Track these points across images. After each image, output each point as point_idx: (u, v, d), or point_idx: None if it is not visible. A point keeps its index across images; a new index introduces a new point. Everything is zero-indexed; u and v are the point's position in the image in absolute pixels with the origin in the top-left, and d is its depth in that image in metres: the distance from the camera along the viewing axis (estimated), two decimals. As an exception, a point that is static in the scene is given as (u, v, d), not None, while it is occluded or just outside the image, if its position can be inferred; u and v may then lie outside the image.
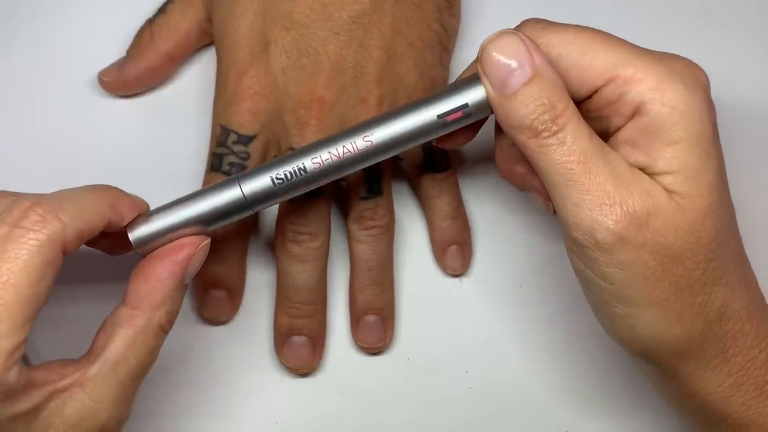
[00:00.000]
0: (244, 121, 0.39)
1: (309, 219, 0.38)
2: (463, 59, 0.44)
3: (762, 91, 0.45)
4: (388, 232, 0.40)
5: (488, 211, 0.43)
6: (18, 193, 0.31)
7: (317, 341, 0.40)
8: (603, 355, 0.41)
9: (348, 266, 0.41)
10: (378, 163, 0.39)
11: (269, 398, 0.40)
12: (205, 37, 0.43)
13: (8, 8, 0.45)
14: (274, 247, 0.40)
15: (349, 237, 0.40)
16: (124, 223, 0.33)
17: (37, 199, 0.30)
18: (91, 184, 0.33)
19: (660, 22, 0.45)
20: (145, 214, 0.34)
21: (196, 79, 0.44)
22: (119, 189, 0.33)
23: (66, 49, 0.44)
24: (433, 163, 0.40)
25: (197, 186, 0.40)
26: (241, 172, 0.34)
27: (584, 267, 0.31)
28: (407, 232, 0.42)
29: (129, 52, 0.43)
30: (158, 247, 0.33)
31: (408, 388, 0.41)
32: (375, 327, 0.40)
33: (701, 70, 0.32)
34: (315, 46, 0.39)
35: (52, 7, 0.45)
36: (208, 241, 0.34)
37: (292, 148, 0.39)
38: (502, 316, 0.41)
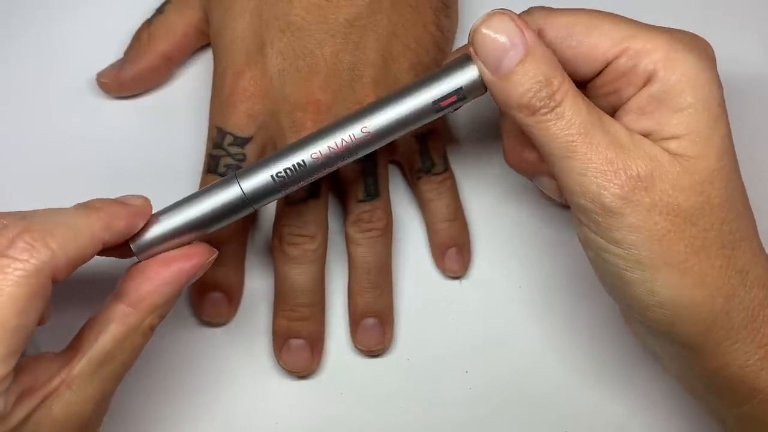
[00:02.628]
0: (240, 123, 0.39)
1: (306, 221, 0.38)
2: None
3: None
4: (387, 234, 0.40)
5: (487, 212, 0.42)
6: (8, 214, 0.30)
7: (316, 344, 0.40)
8: (603, 355, 0.41)
9: (346, 269, 0.41)
10: (375, 165, 0.39)
11: (269, 400, 0.40)
12: (203, 38, 0.43)
13: (8, 8, 0.45)
14: (271, 249, 0.40)
15: (348, 240, 0.40)
16: (128, 236, 0.32)
17: (27, 226, 0.29)
18: (88, 201, 0.32)
19: (662, 16, 0.45)
20: (147, 221, 0.33)
21: (194, 80, 0.44)
22: (116, 202, 0.33)
23: (65, 50, 0.44)
24: (431, 166, 0.40)
25: (195, 187, 0.40)
26: (238, 170, 0.34)
27: (595, 235, 0.31)
28: (406, 234, 0.42)
29: (126, 53, 0.43)
30: (159, 253, 0.33)
31: (408, 389, 0.41)
32: (374, 330, 0.40)
33: (707, 42, 0.33)
34: (311, 49, 0.39)
35: (51, 8, 0.45)
36: (216, 254, 0.34)
37: (288, 151, 0.39)
38: (502, 316, 0.41)
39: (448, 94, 0.33)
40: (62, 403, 0.30)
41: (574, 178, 0.31)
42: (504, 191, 0.43)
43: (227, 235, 0.39)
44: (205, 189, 0.34)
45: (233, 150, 0.39)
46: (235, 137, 0.39)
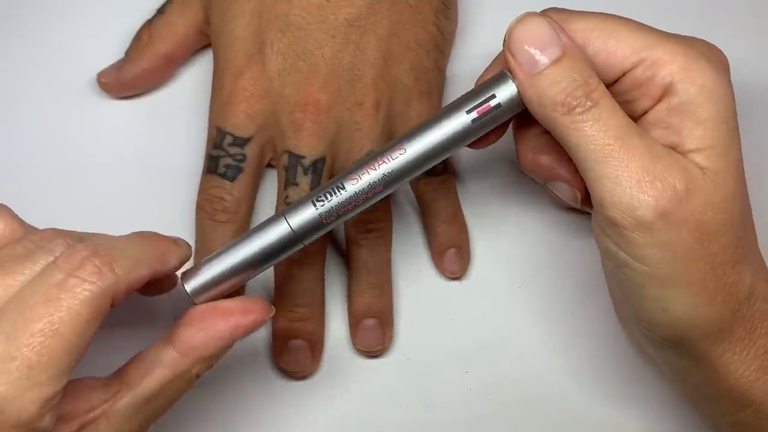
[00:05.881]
0: (239, 123, 0.39)
1: (306, 222, 0.38)
2: (459, 62, 0.43)
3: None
4: (387, 235, 0.40)
5: (486, 213, 0.42)
6: (74, 233, 0.31)
7: (315, 345, 0.40)
8: (603, 355, 0.41)
9: (346, 269, 0.41)
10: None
11: (269, 400, 0.40)
12: (204, 39, 0.43)
13: (8, 8, 0.45)
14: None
15: (348, 241, 0.40)
16: (169, 270, 0.32)
17: (94, 249, 0.29)
18: (143, 232, 0.32)
19: (664, 17, 0.44)
20: (198, 263, 0.33)
21: (195, 80, 0.44)
22: (167, 237, 0.33)
23: (66, 50, 0.44)
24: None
25: (195, 187, 0.40)
26: (285, 208, 0.34)
27: (618, 250, 0.31)
28: (406, 235, 0.42)
29: (127, 53, 0.43)
30: (214, 296, 0.33)
31: (407, 390, 0.40)
32: (374, 331, 0.40)
33: (721, 51, 0.33)
34: (311, 49, 0.39)
35: (52, 7, 0.45)
36: (273, 311, 0.34)
37: (288, 151, 0.39)
38: (502, 317, 0.41)
39: (482, 101, 0.32)
40: None
41: (606, 187, 0.30)
42: (504, 192, 0.42)
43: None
44: (254, 228, 0.34)
45: (233, 150, 0.39)
46: (235, 137, 0.39)
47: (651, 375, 0.40)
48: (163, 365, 0.31)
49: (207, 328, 0.32)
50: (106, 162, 0.43)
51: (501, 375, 0.41)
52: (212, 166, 0.39)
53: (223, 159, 0.39)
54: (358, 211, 0.34)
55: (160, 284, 0.35)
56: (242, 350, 0.41)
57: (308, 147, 0.38)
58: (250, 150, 0.39)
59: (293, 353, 0.39)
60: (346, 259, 0.41)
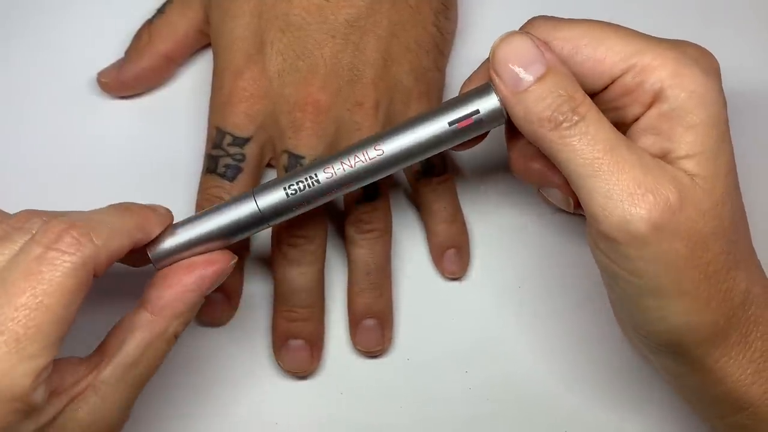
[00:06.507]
0: (239, 123, 0.39)
1: (305, 222, 0.38)
2: (459, 63, 0.43)
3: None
4: (386, 235, 0.40)
5: (486, 213, 0.42)
6: (49, 212, 0.31)
7: (315, 344, 0.40)
8: (602, 354, 0.41)
9: (346, 269, 0.41)
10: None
11: (268, 399, 0.40)
12: (204, 39, 0.43)
13: (8, 8, 0.45)
14: (271, 250, 0.40)
15: (347, 241, 0.40)
16: (151, 239, 0.33)
17: (71, 222, 0.29)
18: (120, 203, 0.33)
19: (661, 21, 0.45)
20: (163, 231, 0.34)
21: (195, 80, 0.44)
22: (146, 206, 0.33)
23: (65, 49, 0.44)
24: (430, 167, 0.40)
25: (195, 187, 0.40)
26: (256, 187, 0.34)
27: (612, 263, 0.31)
28: (406, 235, 0.42)
29: (127, 53, 0.43)
30: (174, 262, 0.34)
31: (407, 389, 0.41)
32: (373, 331, 0.40)
33: (712, 55, 0.32)
34: (311, 49, 0.39)
35: (52, 7, 0.45)
36: (236, 259, 0.34)
37: (287, 151, 0.38)
38: (502, 316, 0.41)
39: (464, 116, 0.33)
40: (88, 407, 0.31)
41: (598, 202, 0.30)
42: (504, 193, 0.43)
43: None
44: (222, 203, 0.34)
45: (232, 150, 0.39)
46: (234, 137, 0.39)
47: (650, 376, 0.40)
48: (141, 328, 0.32)
49: (174, 284, 0.33)
50: (106, 162, 0.43)
51: (501, 375, 0.41)
52: (212, 165, 0.39)
53: (223, 159, 0.39)
54: (327, 200, 0.34)
55: (144, 256, 0.35)
56: (242, 350, 0.41)
57: (308, 147, 0.38)
58: (250, 150, 0.39)
59: (293, 353, 0.39)
60: (347, 258, 0.41)
